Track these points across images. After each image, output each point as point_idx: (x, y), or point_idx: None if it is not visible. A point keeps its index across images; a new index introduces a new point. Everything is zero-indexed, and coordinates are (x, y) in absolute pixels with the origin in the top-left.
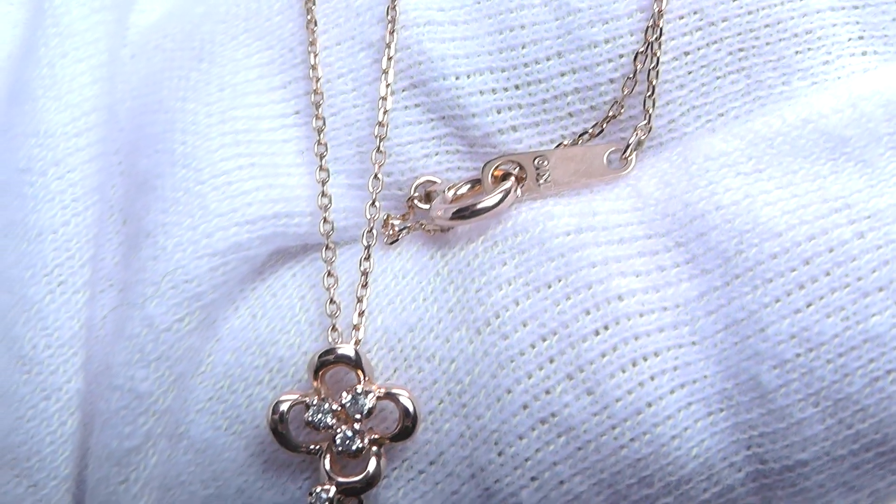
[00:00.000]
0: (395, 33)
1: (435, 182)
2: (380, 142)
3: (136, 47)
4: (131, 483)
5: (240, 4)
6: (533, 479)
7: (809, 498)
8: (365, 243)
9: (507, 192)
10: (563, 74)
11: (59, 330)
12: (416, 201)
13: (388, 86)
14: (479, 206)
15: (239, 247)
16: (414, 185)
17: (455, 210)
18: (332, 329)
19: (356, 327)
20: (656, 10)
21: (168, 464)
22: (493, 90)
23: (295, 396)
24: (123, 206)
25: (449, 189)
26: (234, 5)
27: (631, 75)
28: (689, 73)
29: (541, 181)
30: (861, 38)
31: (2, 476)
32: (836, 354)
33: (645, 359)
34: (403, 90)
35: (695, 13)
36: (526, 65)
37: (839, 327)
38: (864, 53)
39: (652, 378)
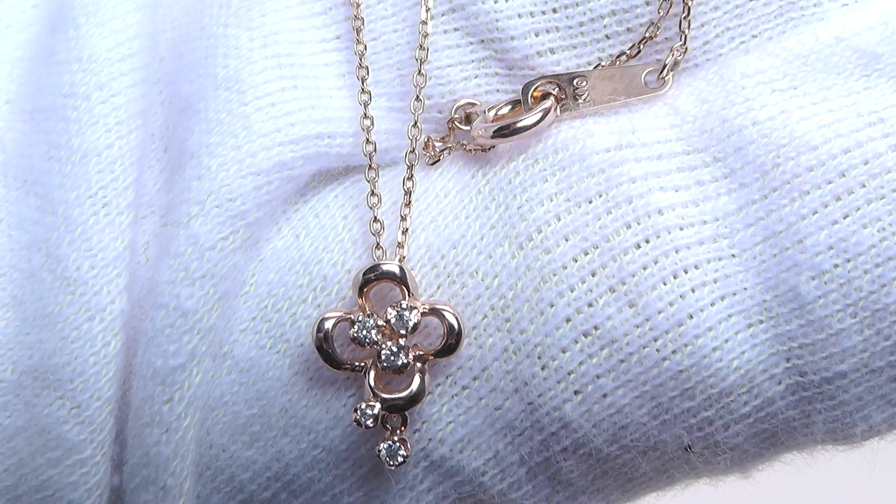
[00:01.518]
0: None
1: (475, 104)
2: (420, 65)
3: None
4: (175, 402)
5: None
6: (576, 392)
7: (847, 411)
8: (408, 163)
9: (548, 111)
10: None
11: (103, 251)
12: (456, 123)
13: (427, 10)
14: (520, 124)
15: (282, 166)
16: (454, 108)
17: (496, 128)
18: (377, 247)
19: (400, 245)
20: None
21: (212, 384)
22: (531, 13)
23: (339, 314)
24: (164, 134)
25: (489, 109)
26: None
27: None
28: None
29: (580, 101)
30: None
31: (45, 397)
32: (874, 265)
33: (686, 271)
34: (443, 14)
35: None
36: None
37: (875, 238)
38: None
39: (693, 290)
